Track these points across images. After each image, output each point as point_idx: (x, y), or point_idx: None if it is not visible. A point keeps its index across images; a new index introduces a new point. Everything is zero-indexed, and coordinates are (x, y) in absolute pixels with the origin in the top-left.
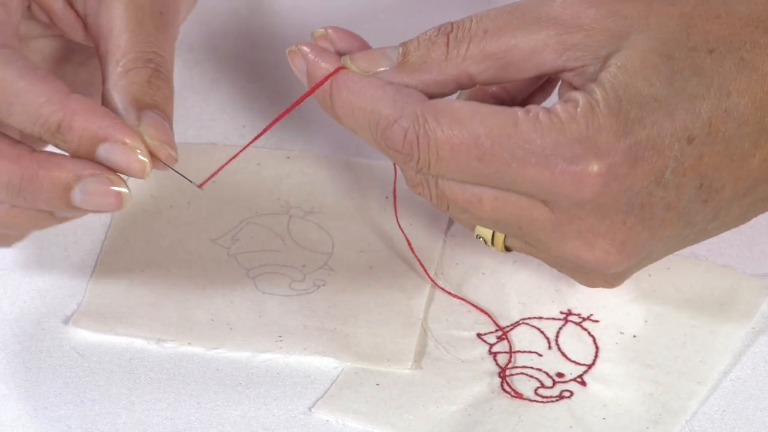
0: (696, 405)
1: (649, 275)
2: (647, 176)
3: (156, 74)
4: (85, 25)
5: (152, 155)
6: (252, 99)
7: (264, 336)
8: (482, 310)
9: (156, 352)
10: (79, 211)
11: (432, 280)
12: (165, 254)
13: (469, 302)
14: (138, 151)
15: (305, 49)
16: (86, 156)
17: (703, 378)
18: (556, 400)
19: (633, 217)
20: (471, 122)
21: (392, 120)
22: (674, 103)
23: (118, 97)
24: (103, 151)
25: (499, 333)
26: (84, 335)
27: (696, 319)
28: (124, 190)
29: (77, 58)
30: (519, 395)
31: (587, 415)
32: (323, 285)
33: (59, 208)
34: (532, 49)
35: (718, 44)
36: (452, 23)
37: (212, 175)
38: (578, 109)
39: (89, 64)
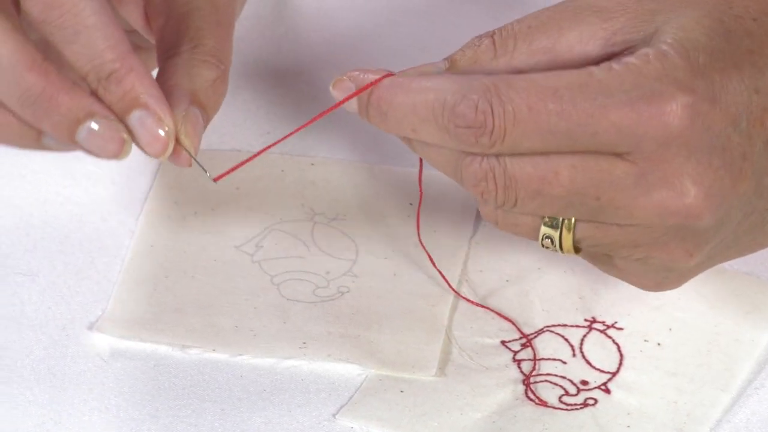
0: (720, 413)
1: None
2: (726, 118)
3: (222, 79)
4: (147, 15)
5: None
6: (276, 105)
7: (288, 342)
8: (506, 318)
9: (180, 358)
10: (75, 147)
11: (455, 291)
12: (189, 261)
13: (492, 310)
14: (167, 131)
15: (351, 73)
16: (119, 114)
17: (728, 386)
18: (581, 408)
19: (717, 159)
20: (546, 80)
21: (461, 96)
22: (737, 56)
23: (180, 79)
24: (136, 116)
25: (524, 340)
26: (108, 341)
27: (720, 326)
28: (127, 143)
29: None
30: (543, 403)
31: (611, 423)
32: (347, 291)
33: (59, 136)
34: (578, 39)
35: (759, 15)
36: (494, 29)
37: (228, 172)
38: (650, 55)
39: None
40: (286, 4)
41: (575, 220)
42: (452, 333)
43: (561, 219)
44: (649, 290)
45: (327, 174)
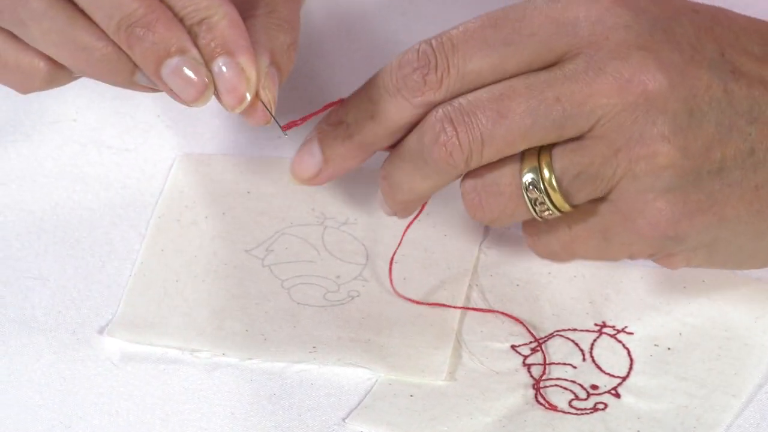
0: (730, 418)
1: (684, 287)
2: (666, 11)
3: (294, 46)
4: None
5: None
6: (288, 110)
7: (298, 347)
8: (517, 319)
9: (190, 362)
10: (159, 82)
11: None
12: (199, 265)
13: (502, 312)
14: (248, 82)
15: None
16: (205, 59)
17: (738, 391)
18: (591, 413)
19: (660, 35)
20: (476, 15)
21: (401, 56)
22: None
23: (261, 37)
24: (220, 63)
25: (533, 345)
26: (119, 345)
27: (730, 331)
28: (209, 89)
29: None
30: (553, 407)
31: (621, 428)
32: (357, 296)
33: (146, 66)
34: None
35: None
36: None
37: (297, 122)
38: None
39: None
40: None
41: (550, 156)
42: (462, 337)
43: (538, 164)
44: (667, 223)
45: (338, 178)
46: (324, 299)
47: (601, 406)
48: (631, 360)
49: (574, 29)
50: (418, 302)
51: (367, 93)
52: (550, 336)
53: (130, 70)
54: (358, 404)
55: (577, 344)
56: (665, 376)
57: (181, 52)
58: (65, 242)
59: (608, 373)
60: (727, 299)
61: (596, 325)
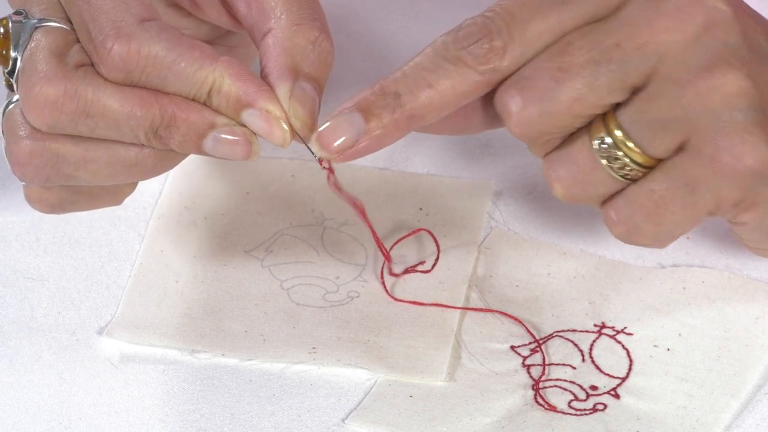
0: (730, 418)
1: (684, 288)
2: None
3: (322, 36)
4: (229, 9)
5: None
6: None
7: (297, 347)
8: (516, 319)
9: (190, 363)
10: (207, 156)
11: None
12: (199, 265)
13: (501, 312)
14: (280, 121)
15: None
16: (233, 117)
17: (737, 391)
18: (590, 413)
19: None
20: None
21: (456, 28)
22: None
23: (277, 58)
24: (247, 116)
25: (533, 345)
26: (118, 346)
27: (730, 332)
28: (255, 141)
29: (221, 46)
30: (552, 408)
31: (621, 429)
32: (357, 297)
33: (189, 151)
34: None
35: None
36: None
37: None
38: None
39: (233, 52)
40: None
41: (615, 115)
42: (462, 338)
43: (605, 126)
44: (754, 155)
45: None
46: (323, 300)
47: (600, 406)
48: (631, 361)
49: None
50: (417, 303)
51: (422, 64)
52: (550, 337)
53: (178, 157)
54: (358, 405)
55: (576, 345)
56: (665, 376)
57: (211, 126)
58: (64, 243)
59: (608, 374)
60: (726, 300)
61: (596, 325)
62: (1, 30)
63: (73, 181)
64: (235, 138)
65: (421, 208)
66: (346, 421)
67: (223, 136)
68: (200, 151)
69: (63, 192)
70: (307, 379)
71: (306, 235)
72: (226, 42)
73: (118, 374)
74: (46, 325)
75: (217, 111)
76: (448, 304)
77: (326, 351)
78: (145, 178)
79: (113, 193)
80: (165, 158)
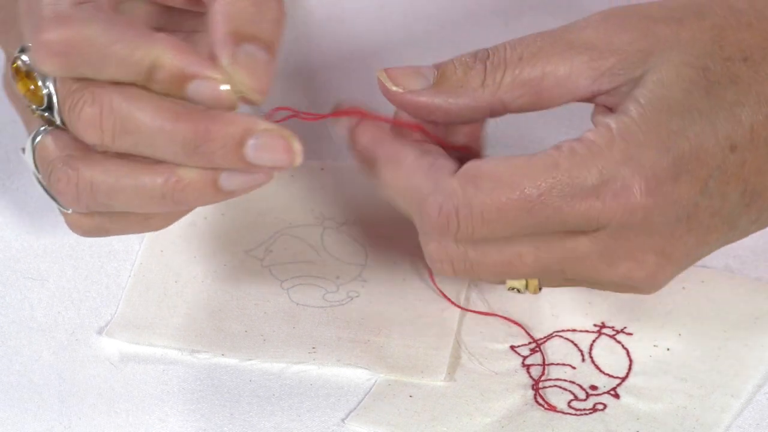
0: (730, 418)
1: (683, 288)
2: (693, 188)
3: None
4: None
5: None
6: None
7: (297, 347)
8: (515, 322)
9: (189, 363)
10: (253, 168)
11: (460, 307)
12: (199, 265)
13: (501, 316)
14: (226, 86)
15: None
16: (179, 97)
17: (737, 391)
18: (590, 413)
19: (680, 228)
20: (512, 178)
21: (425, 195)
22: (715, 113)
23: (218, 28)
24: (192, 88)
25: (533, 345)
26: (118, 346)
27: (730, 332)
28: (297, 146)
29: (172, 24)
30: (552, 408)
31: (620, 428)
32: (357, 296)
33: (234, 164)
34: (566, 76)
35: (752, 52)
36: (488, 50)
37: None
38: (614, 131)
39: (194, 38)
40: (296, 10)
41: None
42: (461, 338)
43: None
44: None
45: (337, 179)
46: (323, 300)
47: (600, 406)
48: (630, 360)
49: (602, 227)
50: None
51: (390, 173)
52: (550, 336)
53: (212, 192)
54: (358, 405)
55: (576, 345)
56: (664, 376)
57: (250, 133)
58: (64, 243)
59: (607, 374)
60: (726, 299)
61: (595, 325)
62: (22, 68)
63: (112, 208)
64: (276, 141)
65: None
66: (346, 421)
67: (263, 140)
68: (243, 160)
69: (99, 218)
70: (307, 379)
71: (306, 235)
72: (185, 27)
73: (118, 374)
74: (46, 325)
75: (163, 90)
76: (447, 304)
77: (326, 351)
78: (182, 208)
79: (156, 219)
80: (204, 189)
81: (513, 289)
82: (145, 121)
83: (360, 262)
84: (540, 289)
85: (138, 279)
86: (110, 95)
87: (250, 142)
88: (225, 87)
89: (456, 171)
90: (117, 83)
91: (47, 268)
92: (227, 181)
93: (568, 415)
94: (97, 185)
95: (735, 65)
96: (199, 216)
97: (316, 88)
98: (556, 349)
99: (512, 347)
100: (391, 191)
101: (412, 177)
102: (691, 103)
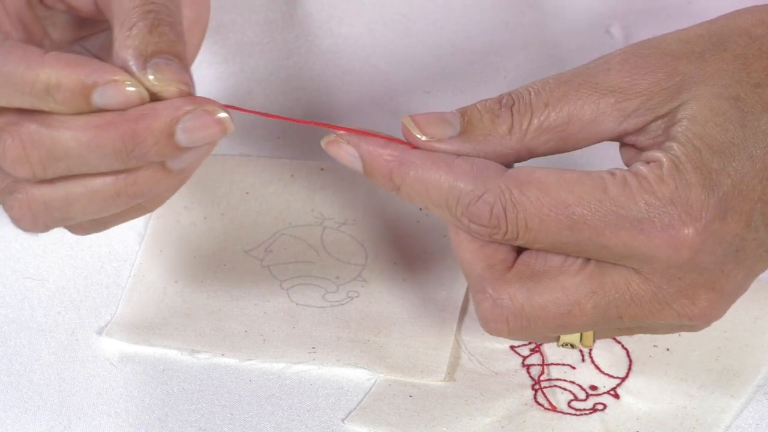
0: (730, 419)
1: None
2: (739, 224)
3: (156, 22)
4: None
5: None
6: (287, 110)
7: (297, 347)
8: None
9: (189, 363)
10: (190, 151)
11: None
12: (199, 265)
13: None
14: (129, 83)
15: (354, 138)
16: (86, 110)
17: (737, 392)
18: (590, 413)
19: (729, 263)
20: (558, 191)
21: (476, 196)
22: (751, 144)
23: (124, 57)
24: (98, 97)
25: (533, 345)
26: (118, 346)
27: (730, 332)
28: (223, 114)
29: (91, 30)
30: (552, 408)
31: (620, 429)
32: (357, 296)
33: (171, 155)
34: (593, 119)
35: None
36: (512, 95)
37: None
38: (664, 169)
39: (103, 35)
40: (296, 9)
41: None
42: (461, 338)
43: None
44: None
45: (337, 179)
46: (323, 300)
47: (600, 406)
48: (630, 361)
49: (649, 263)
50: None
51: (427, 188)
52: None
53: (164, 177)
54: (358, 405)
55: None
56: (664, 376)
57: (175, 120)
58: (64, 243)
59: (607, 374)
60: None
61: None
62: None
63: (71, 221)
64: (203, 118)
65: (420, 208)
66: (345, 421)
67: (190, 122)
68: (178, 148)
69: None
70: (306, 379)
71: (306, 235)
72: (95, 42)
73: (118, 374)
74: (46, 325)
75: (67, 109)
76: (447, 303)
77: (326, 351)
78: (139, 200)
79: (126, 214)
80: (155, 177)
81: (566, 344)
82: (70, 143)
83: (360, 262)
84: (594, 341)
85: (138, 279)
86: (28, 126)
87: (179, 129)
88: (131, 87)
89: (501, 169)
90: (32, 112)
91: (47, 268)
92: (175, 163)
93: (568, 415)
94: (50, 202)
95: (765, 91)
96: (200, 216)
97: (315, 88)
98: (556, 350)
99: (512, 347)
100: (429, 195)
101: (456, 178)
102: (728, 138)
